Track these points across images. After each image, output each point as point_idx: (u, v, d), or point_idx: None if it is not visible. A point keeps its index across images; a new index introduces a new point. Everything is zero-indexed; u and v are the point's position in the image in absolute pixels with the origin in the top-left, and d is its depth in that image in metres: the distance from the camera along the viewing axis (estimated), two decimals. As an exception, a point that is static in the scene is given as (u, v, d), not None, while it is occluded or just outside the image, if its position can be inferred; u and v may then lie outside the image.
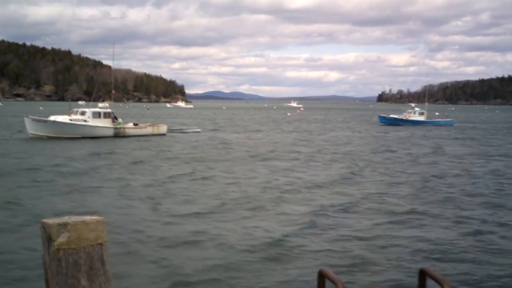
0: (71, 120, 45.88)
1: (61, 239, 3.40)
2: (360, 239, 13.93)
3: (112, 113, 48.29)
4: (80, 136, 44.52)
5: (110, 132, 46.97)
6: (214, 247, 13.01)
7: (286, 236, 14.12)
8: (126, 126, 49.65)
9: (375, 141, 48.14)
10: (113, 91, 55.97)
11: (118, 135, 47.23)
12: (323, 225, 15.46)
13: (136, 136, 47.81)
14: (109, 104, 50.69)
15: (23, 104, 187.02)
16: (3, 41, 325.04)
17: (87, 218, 3.53)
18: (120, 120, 49.23)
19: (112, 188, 21.16)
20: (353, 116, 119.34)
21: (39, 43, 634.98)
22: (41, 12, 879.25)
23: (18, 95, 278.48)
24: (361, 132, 61.40)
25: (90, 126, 45.99)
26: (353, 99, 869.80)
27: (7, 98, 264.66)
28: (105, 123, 47.17)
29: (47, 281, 3.51)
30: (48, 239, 3.42)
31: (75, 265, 3.43)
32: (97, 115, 47.00)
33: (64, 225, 3.41)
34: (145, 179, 23.61)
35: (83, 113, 46.86)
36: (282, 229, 14.86)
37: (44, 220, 3.49)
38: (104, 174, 25.07)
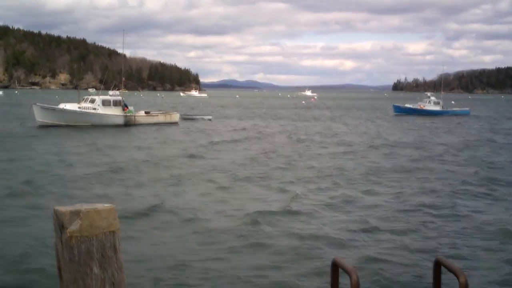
0: (80, 108, 45.47)
1: (74, 226, 3.39)
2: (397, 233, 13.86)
3: (122, 101, 47.75)
4: (89, 124, 43.97)
5: (120, 120, 46.38)
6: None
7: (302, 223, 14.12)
8: (137, 114, 49.00)
9: (400, 131, 47.78)
10: (123, 79, 55.52)
11: (129, 123, 46.60)
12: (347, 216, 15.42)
13: (148, 124, 47.18)
14: (123, 92, 50.22)
15: (39, 92, 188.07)
16: (19, 29, 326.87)
17: (99, 205, 3.52)
18: (131, 108, 48.51)
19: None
20: (368, 106, 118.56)
21: (56, 32, 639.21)
22: (59, 1, 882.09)
23: (33, 84, 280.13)
24: (374, 122, 61.03)
25: (99, 114, 45.49)
26: (368, 88, 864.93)
27: (23, 86, 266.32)
28: (115, 111, 46.54)
29: (59, 269, 3.50)
30: (61, 227, 3.41)
31: (88, 253, 3.42)
32: (107, 103, 46.42)
33: (77, 213, 3.40)
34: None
35: (92, 101, 46.32)
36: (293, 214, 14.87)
37: (57, 208, 3.48)
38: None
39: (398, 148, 33.43)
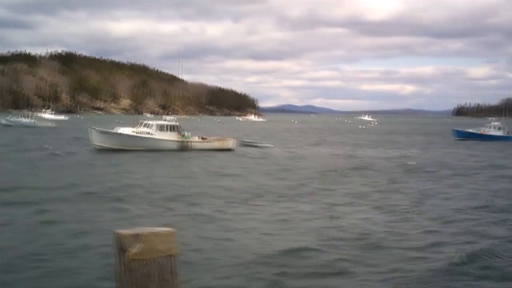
0: (136, 132, 46.02)
1: (134, 249, 3.42)
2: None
3: (179, 126, 48.03)
4: (144, 148, 44.03)
5: (175, 146, 46.31)
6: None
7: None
8: (192, 139, 48.71)
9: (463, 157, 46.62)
10: (178, 104, 55.92)
11: (183, 148, 46.39)
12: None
13: (202, 150, 46.52)
14: (182, 117, 50.55)
15: (101, 117, 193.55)
16: (84, 56, 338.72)
17: (159, 229, 3.54)
18: (186, 133, 48.57)
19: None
20: (429, 130, 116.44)
21: (120, 58, 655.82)
22: (123, 28, 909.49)
23: (97, 108, 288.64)
24: (439, 146, 59.81)
25: (154, 139, 45.72)
26: (429, 113, 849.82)
27: (87, 111, 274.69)
28: (170, 136, 46.70)
29: (119, 291, 3.54)
30: (121, 250, 3.45)
31: (147, 276, 3.44)
32: (162, 128, 46.80)
33: (137, 236, 3.44)
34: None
35: (148, 126, 46.82)
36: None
37: (117, 230, 3.52)
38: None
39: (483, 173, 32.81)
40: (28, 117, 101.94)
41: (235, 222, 17.48)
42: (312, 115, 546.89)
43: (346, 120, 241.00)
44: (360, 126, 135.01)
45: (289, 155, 45.68)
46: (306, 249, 13.92)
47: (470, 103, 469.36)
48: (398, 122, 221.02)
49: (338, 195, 23.51)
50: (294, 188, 25.55)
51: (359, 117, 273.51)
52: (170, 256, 3.52)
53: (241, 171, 32.63)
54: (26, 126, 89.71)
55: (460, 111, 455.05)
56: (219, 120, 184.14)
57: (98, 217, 17.31)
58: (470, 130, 78.82)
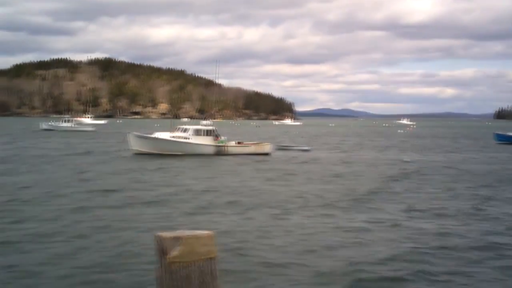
0: (172, 137, 46.41)
1: (175, 252, 3.48)
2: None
3: (215, 130, 48.16)
4: (180, 153, 44.51)
5: (211, 150, 46.38)
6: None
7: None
8: (228, 144, 48.60)
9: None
10: (215, 109, 56.12)
11: (220, 153, 46.42)
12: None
13: (239, 154, 46.36)
14: (218, 121, 50.53)
15: (139, 122, 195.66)
16: (122, 61, 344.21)
17: (199, 232, 3.60)
18: (223, 138, 48.52)
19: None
20: (470, 134, 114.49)
21: (158, 64, 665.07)
22: (161, 34, 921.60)
23: (135, 113, 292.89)
24: (481, 150, 58.73)
25: (191, 143, 46.02)
26: (469, 116, 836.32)
27: (125, 115, 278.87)
28: (206, 141, 46.77)
29: (160, 293, 3.60)
30: (162, 252, 3.52)
31: (187, 279, 3.50)
32: (199, 132, 46.96)
33: (177, 239, 3.50)
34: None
35: (185, 130, 47.15)
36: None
37: (158, 233, 3.59)
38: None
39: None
40: (68, 121, 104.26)
41: (299, 231, 16.53)
42: (350, 119, 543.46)
43: (384, 124, 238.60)
44: (399, 130, 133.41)
45: (334, 159, 44.55)
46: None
47: (511, 107, 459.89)
48: (438, 125, 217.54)
49: (409, 201, 22.38)
50: (362, 193, 24.50)
51: (397, 121, 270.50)
52: (210, 259, 3.57)
53: (286, 176, 31.67)
54: (66, 131, 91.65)
55: (502, 115, 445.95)
56: (255, 124, 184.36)
57: (143, 222, 17.31)
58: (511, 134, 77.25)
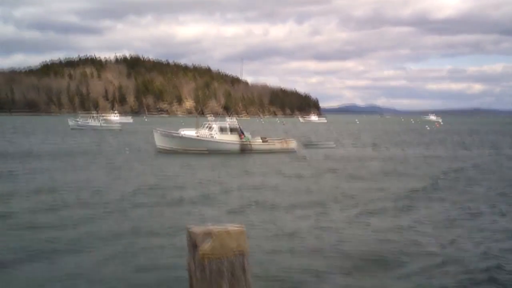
0: (198, 134, 46.42)
1: (206, 246, 3.51)
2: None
3: (239, 128, 48.07)
4: (206, 150, 44.34)
5: (236, 147, 46.35)
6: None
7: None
8: (253, 141, 48.28)
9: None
10: (240, 105, 55.83)
11: (245, 150, 46.35)
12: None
13: (264, 152, 46.19)
14: (244, 118, 50.15)
15: (166, 119, 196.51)
16: (149, 60, 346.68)
17: (230, 227, 3.62)
18: (247, 135, 48.44)
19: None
20: (499, 131, 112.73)
21: (184, 61, 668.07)
22: (188, 32, 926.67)
23: (161, 110, 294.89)
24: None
25: (216, 141, 46.08)
26: (498, 112, 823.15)
27: (151, 113, 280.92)
28: (231, 138, 46.79)
29: (191, 287, 3.63)
30: (193, 246, 3.54)
31: (219, 273, 3.52)
32: (224, 129, 46.97)
33: (209, 233, 3.52)
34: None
35: (210, 128, 47.18)
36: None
37: (190, 228, 3.62)
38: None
39: None
40: (95, 119, 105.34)
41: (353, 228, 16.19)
42: (376, 115, 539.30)
43: (411, 120, 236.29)
44: (426, 127, 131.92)
45: (360, 156, 44.02)
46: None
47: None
48: (466, 121, 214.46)
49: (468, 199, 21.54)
50: (412, 191, 23.46)
51: (424, 117, 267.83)
52: (241, 253, 3.58)
53: (312, 173, 31.19)
54: (93, 129, 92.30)
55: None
56: (279, 120, 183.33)
57: (178, 219, 17.24)
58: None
